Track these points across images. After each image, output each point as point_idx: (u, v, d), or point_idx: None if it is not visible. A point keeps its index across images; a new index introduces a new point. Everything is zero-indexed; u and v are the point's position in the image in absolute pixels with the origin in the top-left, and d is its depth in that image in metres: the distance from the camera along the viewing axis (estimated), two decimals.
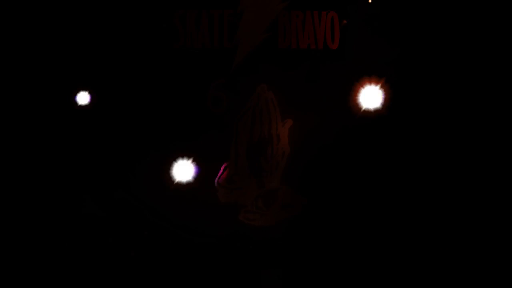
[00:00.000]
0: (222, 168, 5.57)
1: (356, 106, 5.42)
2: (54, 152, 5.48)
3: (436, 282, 5.44)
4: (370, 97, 5.41)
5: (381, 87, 5.40)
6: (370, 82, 5.41)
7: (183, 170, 5.44)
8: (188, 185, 5.44)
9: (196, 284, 5.43)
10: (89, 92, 5.45)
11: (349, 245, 5.51)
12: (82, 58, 5.49)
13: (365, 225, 5.53)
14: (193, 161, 5.43)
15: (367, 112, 5.42)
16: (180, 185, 5.42)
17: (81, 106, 5.44)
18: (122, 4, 5.50)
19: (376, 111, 5.41)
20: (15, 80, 5.47)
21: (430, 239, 5.51)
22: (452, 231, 5.52)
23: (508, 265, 5.42)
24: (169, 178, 5.42)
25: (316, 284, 5.45)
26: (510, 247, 5.47)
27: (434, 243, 5.50)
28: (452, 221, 5.54)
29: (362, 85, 5.41)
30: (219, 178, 5.56)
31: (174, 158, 5.47)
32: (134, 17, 5.50)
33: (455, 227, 5.53)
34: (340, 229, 5.53)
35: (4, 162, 5.46)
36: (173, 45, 5.55)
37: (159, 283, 5.43)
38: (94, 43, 5.49)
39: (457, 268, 5.45)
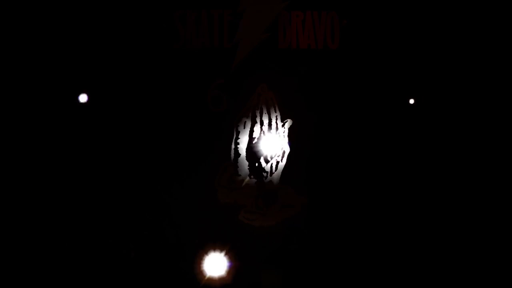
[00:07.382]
0: (221, 168, 5.59)
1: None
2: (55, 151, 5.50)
3: (436, 281, 5.45)
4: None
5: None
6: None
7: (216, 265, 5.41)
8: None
9: (196, 284, 5.43)
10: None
11: (348, 245, 5.51)
12: (82, 58, 5.49)
13: (364, 224, 5.53)
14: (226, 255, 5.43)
15: None
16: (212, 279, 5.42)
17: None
18: (122, 4, 5.50)
19: None
20: (16, 81, 5.48)
21: (429, 238, 5.52)
22: (451, 231, 5.53)
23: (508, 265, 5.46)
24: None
25: (316, 284, 5.46)
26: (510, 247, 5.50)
27: (433, 243, 5.51)
28: (451, 221, 5.56)
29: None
30: (219, 178, 5.58)
31: (174, 158, 5.50)
32: (134, 17, 5.50)
33: (454, 227, 5.54)
34: (339, 229, 5.53)
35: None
36: (173, 45, 5.56)
37: (159, 283, 5.43)
38: (95, 43, 5.48)
39: (457, 268, 5.46)
